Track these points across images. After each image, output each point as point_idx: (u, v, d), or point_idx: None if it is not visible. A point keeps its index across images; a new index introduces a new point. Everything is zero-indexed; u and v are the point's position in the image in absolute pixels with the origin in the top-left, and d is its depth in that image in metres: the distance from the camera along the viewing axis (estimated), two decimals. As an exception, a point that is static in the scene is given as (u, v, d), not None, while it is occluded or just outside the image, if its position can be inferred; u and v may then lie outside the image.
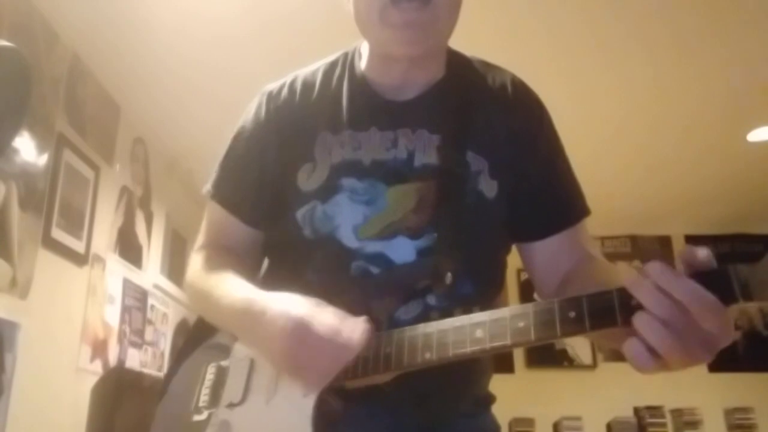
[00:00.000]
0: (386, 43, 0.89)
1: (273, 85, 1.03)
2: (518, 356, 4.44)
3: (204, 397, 0.90)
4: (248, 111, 1.03)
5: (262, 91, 1.03)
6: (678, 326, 0.58)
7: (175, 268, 3.78)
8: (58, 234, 2.32)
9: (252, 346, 0.86)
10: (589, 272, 0.87)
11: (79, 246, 2.47)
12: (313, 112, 0.96)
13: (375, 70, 0.96)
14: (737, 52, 2.64)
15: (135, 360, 2.98)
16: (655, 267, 0.59)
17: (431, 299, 0.85)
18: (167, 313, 3.48)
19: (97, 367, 2.58)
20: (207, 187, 1.03)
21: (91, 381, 2.48)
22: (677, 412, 4.18)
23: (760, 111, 3.18)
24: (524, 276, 4.56)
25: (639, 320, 0.60)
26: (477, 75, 0.98)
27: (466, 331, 0.70)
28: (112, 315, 2.76)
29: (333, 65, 1.01)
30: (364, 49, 0.99)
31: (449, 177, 0.89)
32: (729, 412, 4.24)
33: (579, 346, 4.50)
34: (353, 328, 0.75)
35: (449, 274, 0.82)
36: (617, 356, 4.41)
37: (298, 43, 2.39)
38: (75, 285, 2.47)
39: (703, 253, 0.59)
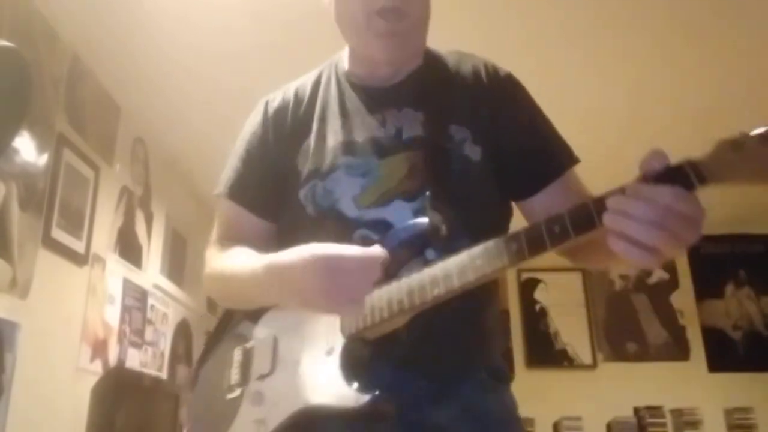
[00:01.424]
0: (370, 48, 1.01)
1: (270, 95, 1.14)
2: (518, 356, 4.45)
3: (234, 376, 0.98)
4: (250, 118, 1.14)
5: (261, 101, 1.14)
6: (651, 217, 0.67)
7: (175, 268, 3.78)
8: (58, 234, 2.32)
9: (283, 297, 0.91)
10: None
11: (79, 246, 2.47)
12: (307, 108, 1.07)
13: (359, 68, 1.08)
14: (738, 51, 2.64)
15: (135, 360, 2.98)
16: (628, 185, 0.71)
17: (430, 254, 0.90)
18: (167, 313, 3.47)
19: (97, 367, 2.58)
20: (219, 189, 1.11)
21: (91, 381, 2.48)
22: (677, 412, 4.18)
23: (760, 111, 3.18)
24: (524, 276, 4.57)
25: (606, 218, 0.70)
26: (451, 61, 1.09)
27: (467, 262, 0.79)
28: (112, 315, 2.76)
29: (321, 72, 1.13)
30: (346, 53, 1.11)
31: (435, 147, 0.98)
32: (729, 412, 4.24)
33: (579, 346, 4.51)
34: (370, 248, 0.85)
35: (444, 227, 0.89)
36: (617, 356, 4.43)
37: (299, 49, 2.39)
38: (75, 285, 2.47)
39: (656, 157, 0.71)
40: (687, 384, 4.33)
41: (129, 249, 2.98)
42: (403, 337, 0.87)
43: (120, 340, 2.82)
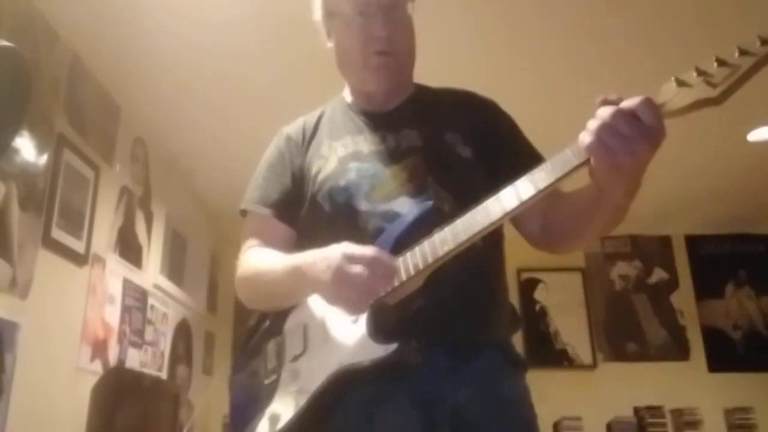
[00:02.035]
0: (367, 81, 1.21)
1: (284, 127, 1.30)
2: (518, 356, 4.44)
3: (271, 363, 1.09)
4: (269, 147, 1.29)
5: (278, 133, 1.30)
6: (617, 128, 0.81)
7: (175, 268, 3.78)
8: (58, 234, 2.32)
9: (309, 289, 1.02)
10: (564, 203, 1.06)
11: (79, 246, 2.47)
12: (316, 131, 1.25)
13: (359, 100, 1.26)
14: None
15: (135, 360, 2.98)
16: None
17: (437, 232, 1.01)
18: (167, 313, 3.48)
19: (97, 367, 2.58)
20: (246, 204, 1.24)
21: (91, 381, 2.48)
22: (677, 412, 4.18)
23: (760, 111, 3.18)
24: (524, 276, 4.57)
25: (581, 137, 0.84)
26: (438, 90, 1.28)
27: (469, 219, 0.92)
28: (112, 315, 2.76)
29: (324, 109, 1.30)
30: (346, 92, 1.30)
31: (432, 150, 1.13)
32: (729, 412, 4.24)
33: (579, 346, 4.51)
34: (389, 258, 0.95)
35: (446, 206, 1.04)
36: (617, 356, 4.43)
37: (297, 43, 2.40)
38: (75, 285, 2.47)
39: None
40: (687, 384, 4.32)
41: (129, 249, 2.98)
42: (419, 302, 0.97)
43: (120, 340, 2.82)
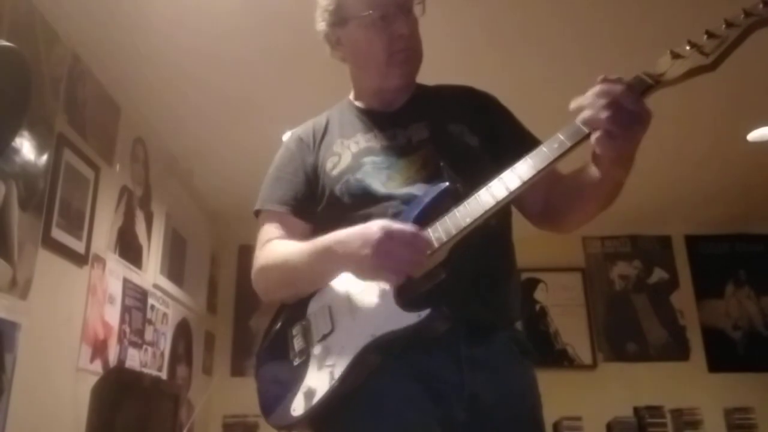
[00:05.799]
0: (391, 77, 1.24)
1: (292, 130, 1.33)
2: (518, 356, 4.43)
3: (298, 345, 1.10)
4: (280, 150, 1.32)
5: (289, 136, 1.33)
6: (613, 112, 0.88)
7: (175, 268, 3.78)
8: (58, 234, 2.31)
9: (343, 267, 1.05)
10: (564, 183, 1.13)
11: (79, 246, 2.47)
12: (326, 131, 1.28)
13: (367, 100, 1.31)
14: (737, 51, 2.64)
15: (135, 360, 2.98)
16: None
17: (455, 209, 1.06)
18: (167, 313, 3.48)
19: (97, 367, 2.58)
20: (260, 204, 1.26)
21: (91, 381, 2.48)
22: (677, 412, 4.18)
23: (760, 111, 3.18)
24: (524, 276, 4.57)
25: (584, 117, 0.92)
26: (437, 86, 1.34)
27: (485, 194, 0.99)
28: (112, 315, 2.76)
29: (330, 112, 1.33)
30: (351, 96, 1.35)
31: (441, 141, 1.19)
32: (729, 412, 4.24)
33: (579, 346, 4.51)
34: (425, 234, 0.99)
35: (460, 186, 1.06)
36: (617, 356, 4.43)
37: (296, 45, 2.40)
38: (75, 285, 2.47)
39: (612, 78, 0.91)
40: (687, 384, 4.33)
41: (129, 249, 2.98)
42: (442, 275, 1.00)
43: (120, 340, 2.82)
